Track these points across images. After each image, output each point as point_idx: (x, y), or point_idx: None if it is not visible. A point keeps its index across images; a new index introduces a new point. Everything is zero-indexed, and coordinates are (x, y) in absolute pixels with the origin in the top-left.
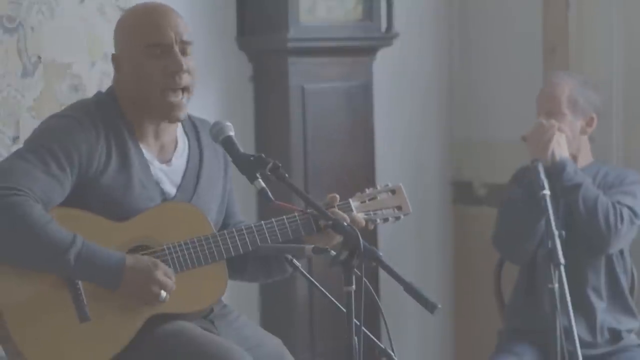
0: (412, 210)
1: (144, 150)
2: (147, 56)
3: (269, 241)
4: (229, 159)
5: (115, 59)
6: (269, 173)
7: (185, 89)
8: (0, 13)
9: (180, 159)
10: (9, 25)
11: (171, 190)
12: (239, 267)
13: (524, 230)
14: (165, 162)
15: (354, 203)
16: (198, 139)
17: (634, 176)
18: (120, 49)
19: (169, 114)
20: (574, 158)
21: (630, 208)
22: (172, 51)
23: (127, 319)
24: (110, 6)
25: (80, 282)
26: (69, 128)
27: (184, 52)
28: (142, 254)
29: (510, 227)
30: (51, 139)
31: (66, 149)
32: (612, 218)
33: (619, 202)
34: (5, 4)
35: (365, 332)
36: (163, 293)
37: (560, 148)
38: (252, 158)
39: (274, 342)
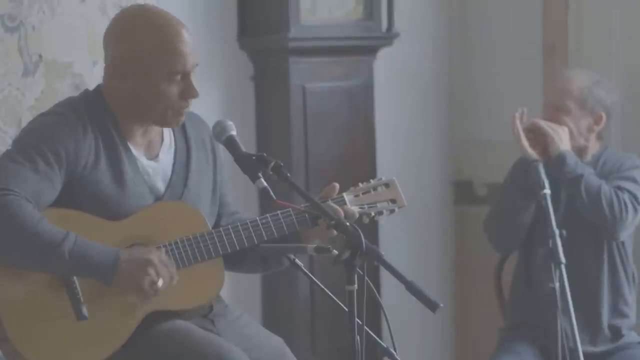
0: (413, 209)
1: (131, 147)
2: (167, 81)
3: (265, 236)
4: (218, 149)
5: (118, 61)
6: (271, 172)
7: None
8: (2, 12)
9: (167, 154)
10: (10, 24)
11: (161, 186)
12: (236, 259)
13: (510, 218)
14: (152, 159)
15: (347, 197)
16: (184, 132)
17: (630, 161)
18: (130, 58)
19: (170, 124)
20: (579, 154)
21: (630, 193)
22: (188, 78)
23: (125, 317)
24: (112, 5)
25: (77, 281)
26: (55, 125)
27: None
28: None
29: (500, 213)
30: (38, 137)
31: (53, 146)
32: (616, 207)
33: (619, 187)
34: (7, 3)
35: (367, 331)
36: (160, 281)
37: (563, 141)
38: (254, 157)
39: (276, 342)
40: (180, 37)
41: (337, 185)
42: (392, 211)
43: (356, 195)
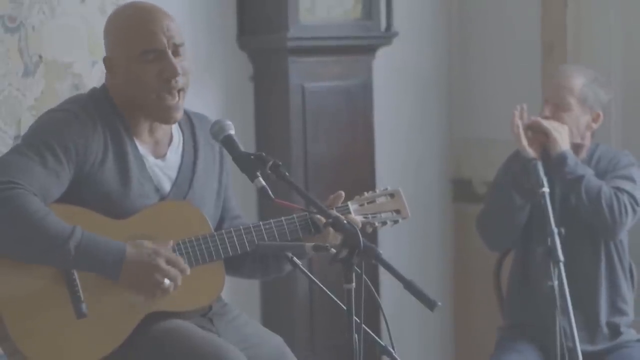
0: (412, 208)
1: (138, 146)
2: (141, 62)
3: (267, 241)
4: (225, 153)
5: (107, 61)
6: (269, 172)
7: (180, 90)
8: (2, 12)
9: (175, 154)
10: (10, 24)
11: (166, 185)
12: (237, 264)
13: (505, 216)
14: (160, 157)
15: (352, 206)
16: (193, 133)
17: (626, 158)
18: (112, 53)
19: (165, 116)
20: (575, 151)
21: (630, 194)
22: (165, 56)
23: (125, 316)
24: (111, 5)
25: (77, 279)
26: (65, 122)
27: (176, 54)
28: None
29: (493, 211)
30: (47, 133)
31: (62, 142)
32: (616, 209)
33: (618, 188)
34: (7, 4)
35: (366, 330)
36: (167, 281)
37: (563, 141)
38: (252, 157)
39: (275, 340)
40: (150, 17)
41: (342, 193)
42: (395, 222)
43: (361, 205)
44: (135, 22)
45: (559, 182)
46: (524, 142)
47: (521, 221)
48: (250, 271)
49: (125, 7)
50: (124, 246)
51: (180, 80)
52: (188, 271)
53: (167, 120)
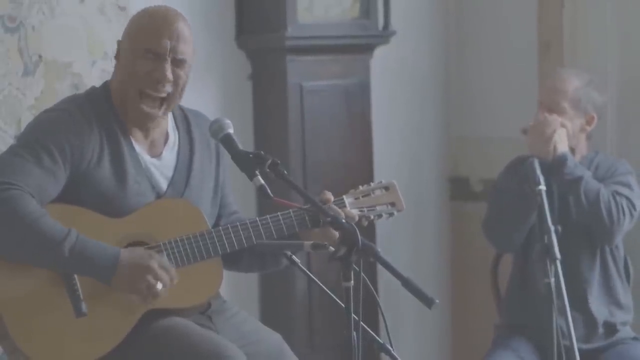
0: (410, 206)
1: (134, 145)
2: (141, 57)
3: (264, 237)
4: (222, 150)
5: (118, 44)
6: (267, 170)
7: (164, 100)
8: (1, 12)
9: (171, 153)
10: (10, 24)
11: (163, 184)
12: (234, 258)
13: (515, 221)
14: (156, 156)
15: (347, 199)
16: (189, 131)
17: (623, 166)
18: (123, 39)
19: (139, 119)
20: (571, 154)
21: (628, 199)
22: (163, 61)
23: (124, 314)
24: (110, 6)
25: (76, 278)
26: (60, 121)
27: (177, 65)
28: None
29: (502, 217)
30: (43, 133)
31: (58, 141)
32: (614, 210)
33: (616, 192)
34: (6, 4)
35: (364, 327)
36: (159, 285)
37: (561, 142)
38: (251, 155)
39: (274, 338)
40: (164, 22)
41: (331, 197)
42: (391, 214)
43: (356, 198)
44: (149, 20)
45: (558, 184)
46: (552, 146)
47: (531, 222)
48: (248, 266)
49: (154, 7)
50: (118, 250)
51: (168, 88)
52: (176, 281)
53: (140, 125)
